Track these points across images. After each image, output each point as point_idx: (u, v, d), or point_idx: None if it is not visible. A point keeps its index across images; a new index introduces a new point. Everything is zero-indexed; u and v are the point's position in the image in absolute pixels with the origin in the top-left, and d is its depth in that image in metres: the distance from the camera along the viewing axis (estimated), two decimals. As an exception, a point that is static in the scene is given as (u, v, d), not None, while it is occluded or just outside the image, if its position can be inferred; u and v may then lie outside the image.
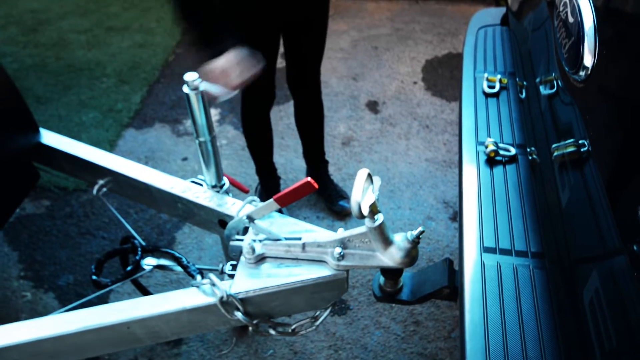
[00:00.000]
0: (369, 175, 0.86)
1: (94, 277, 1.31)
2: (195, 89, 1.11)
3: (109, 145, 2.70)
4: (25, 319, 1.88)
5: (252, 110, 2.02)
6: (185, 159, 2.61)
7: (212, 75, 1.26)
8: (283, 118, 2.79)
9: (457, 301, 0.96)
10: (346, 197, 2.26)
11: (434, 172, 2.43)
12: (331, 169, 2.39)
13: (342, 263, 0.97)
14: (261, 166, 2.24)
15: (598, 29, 0.85)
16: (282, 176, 2.41)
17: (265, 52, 1.75)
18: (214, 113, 2.89)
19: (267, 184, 2.28)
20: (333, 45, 3.43)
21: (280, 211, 1.10)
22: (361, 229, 0.92)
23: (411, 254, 0.92)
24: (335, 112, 2.85)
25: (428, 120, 2.75)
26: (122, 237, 1.43)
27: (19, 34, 3.73)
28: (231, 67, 1.27)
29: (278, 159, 2.53)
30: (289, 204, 1.01)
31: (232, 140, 2.70)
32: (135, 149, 2.68)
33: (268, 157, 2.24)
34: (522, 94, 1.30)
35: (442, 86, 3.00)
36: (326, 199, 2.25)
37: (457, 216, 2.21)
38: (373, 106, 2.89)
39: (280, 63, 1.95)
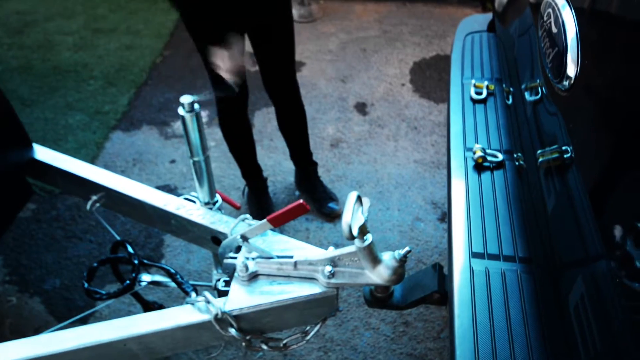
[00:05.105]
0: (359, 198, 0.89)
1: (85, 285, 1.30)
2: (191, 111, 1.13)
3: (96, 148, 2.68)
4: (11, 323, 1.89)
5: (227, 111, 2.02)
6: (173, 161, 2.60)
7: None
8: (271, 120, 2.79)
9: (447, 306, 0.98)
10: (335, 199, 2.27)
11: (422, 173, 2.46)
12: (320, 171, 2.40)
13: (333, 281, 0.99)
14: (246, 168, 2.24)
15: (581, 39, 0.87)
16: (271, 177, 2.41)
17: (230, 51, 1.76)
18: (202, 115, 2.88)
19: (254, 185, 2.28)
20: (321, 47, 3.44)
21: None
22: (351, 248, 0.95)
23: (398, 272, 0.96)
24: (324, 114, 2.86)
25: (416, 122, 2.77)
26: (113, 244, 1.42)
27: (3, 36, 3.68)
28: None
29: (267, 160, 2.53)
30: (282, 224, 1.04)
31: (220, 142, 2.69)
32: (123, 152, 2.67)
33: (251, 158, 2.23)
34: (508, 100, 1.32)
35: (430, 88, 3.03)
36: (315, 201, 2.26)
37: (445, 217, 2.23)
38: (361, 108, 2.90)
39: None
